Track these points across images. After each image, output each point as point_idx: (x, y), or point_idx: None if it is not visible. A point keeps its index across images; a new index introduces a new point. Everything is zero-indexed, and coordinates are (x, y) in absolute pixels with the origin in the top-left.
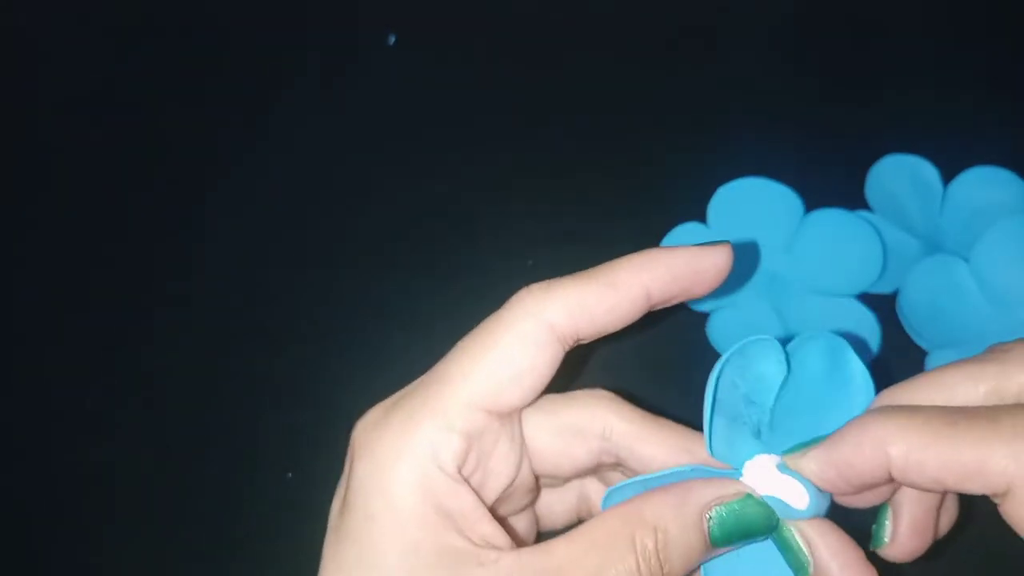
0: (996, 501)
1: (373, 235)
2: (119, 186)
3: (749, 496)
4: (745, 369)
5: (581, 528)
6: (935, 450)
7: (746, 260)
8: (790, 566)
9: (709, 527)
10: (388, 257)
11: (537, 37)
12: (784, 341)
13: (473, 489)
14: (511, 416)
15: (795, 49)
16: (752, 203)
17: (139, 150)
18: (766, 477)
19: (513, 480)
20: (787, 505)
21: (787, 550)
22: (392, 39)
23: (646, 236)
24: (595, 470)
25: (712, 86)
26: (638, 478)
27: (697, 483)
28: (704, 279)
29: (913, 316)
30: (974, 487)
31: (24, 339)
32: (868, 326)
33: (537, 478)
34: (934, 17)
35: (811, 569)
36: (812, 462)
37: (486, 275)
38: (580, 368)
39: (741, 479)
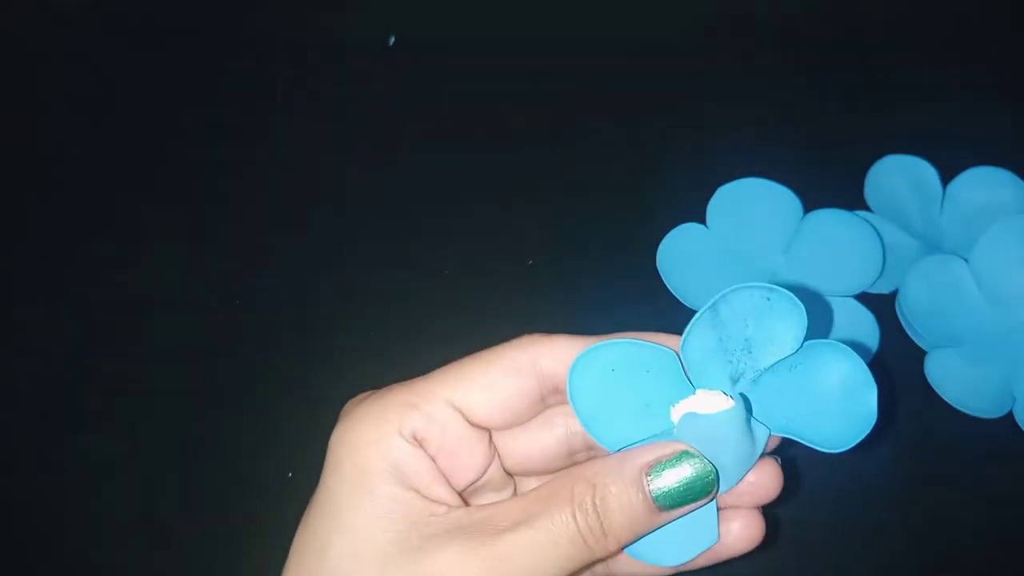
0: None
1: (373, 235)
2: (119, 186)
3: (687, 452)
4: (764, 315)
5: (533, 489)
6: None
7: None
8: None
9: (649, 484)
10: (389, 257)
11: (538, 38)
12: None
13: (431, 458)
14: (482, 428)
15: (795, 49)
16: (752, 204)
17: (139, 150)
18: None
19: (482, 475)
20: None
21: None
22: (392, 39)
23: (646, 236)
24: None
25: (712, 87)
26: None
27: (639, 447)
28: None
29: (912, 316)
30: None
31: (24, 339)
32: (867, 326)
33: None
34: (934, 17)
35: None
36: None
37: (486, 275)
38: None
39: (694, 394)
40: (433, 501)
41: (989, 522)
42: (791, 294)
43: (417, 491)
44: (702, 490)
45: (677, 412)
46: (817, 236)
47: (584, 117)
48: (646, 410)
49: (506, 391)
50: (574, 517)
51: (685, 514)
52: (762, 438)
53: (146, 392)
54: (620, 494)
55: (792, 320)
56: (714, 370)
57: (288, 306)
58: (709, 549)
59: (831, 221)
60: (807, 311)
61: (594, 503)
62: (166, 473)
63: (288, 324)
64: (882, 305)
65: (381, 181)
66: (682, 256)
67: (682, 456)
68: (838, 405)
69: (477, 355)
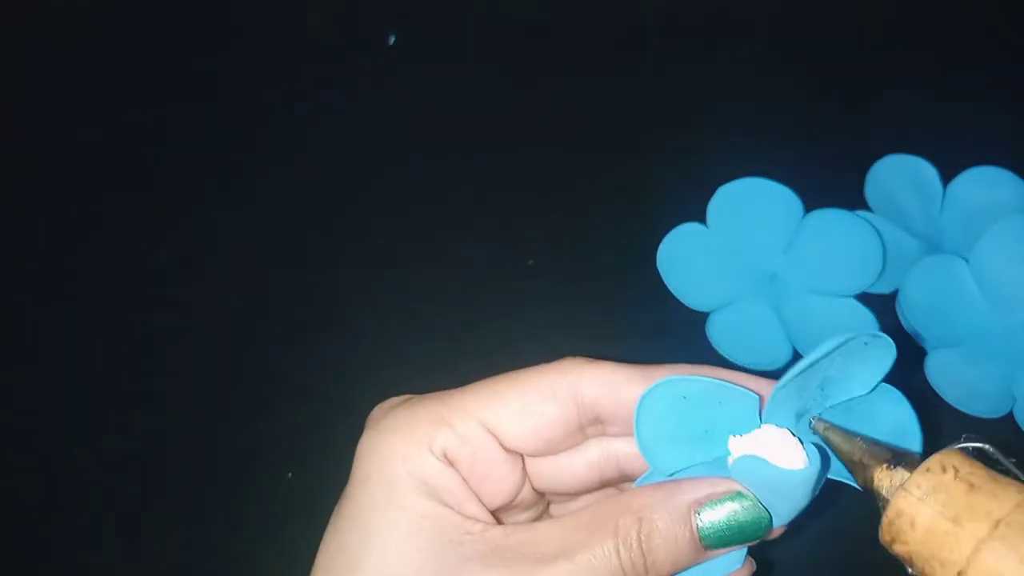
0: None
1: (373, 235)
2: (119, 186)
3: (740, 493)
4: (852, 356)
5: (573, 513)
6: None
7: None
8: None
9: (698, 523)
10: (388, 257)
11: (538, 37)
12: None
13: (463, 478)
14: (515, 452)
15: (795, 49)
16: (752, 203)
17: (139, 151)
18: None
19: (513, 498)
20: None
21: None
22: (392, 39)
23: (646, 236)
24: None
25: (712, 86)
26: (662, 472)
27: (689, 480)
28: None
29: (913, 316)
30: None
31: (24, 338)
32: (867, 326)
33: (543, 496)
34: (934, 17)
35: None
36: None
37: (486, 275)
38: None
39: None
40: (467, 518)
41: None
42: (891, 341)
43: (450, 507)
44: (753, 534)
45: (737, 445)
46: (817, 236)
47: (585, 116)
48: (705, 437)
49: (543, 418)
50: (617, 552)
51: (729, 552)
52: (820, 482)
53: (146, 392)
54: (667, 530)
55: (880, 366)
56: (784, 403)
57: (287, 306)
58: None
59: (831, 221)
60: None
61: (639, 539)
62: (165, 474)
63: (288, 324)
64: (882, 305)
65: (381, 180)
66: (682, 256)
67: (736, 497)
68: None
69: (515, 375)
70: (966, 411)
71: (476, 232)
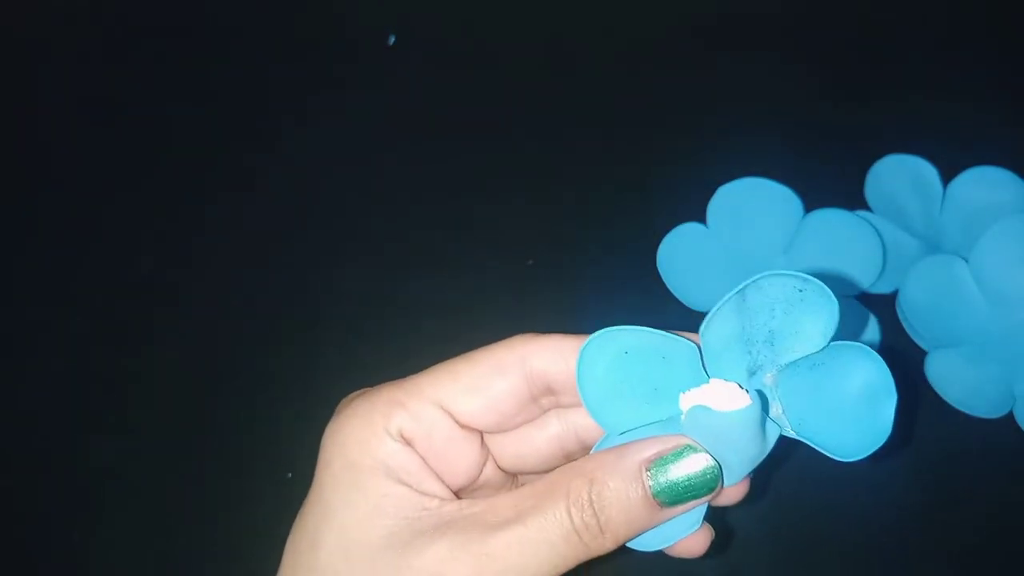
0: None
1: (373, 235)
2: (120, 186)
3: (690, 447)
4: (793, 306)
5: (529, 483)
6: None
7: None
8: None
9: (649, 480)
10: (388, 257)
11: (538, 38)
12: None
13: (421, 457)
14: (473, 429)
15: (795, 49)
16: (752, 203)
17: (140, 151)
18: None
19: (477, 477)
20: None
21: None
22: (392, 39)
23: (646, 236)
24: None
25: (712, 86)
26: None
27: (639, 441)
28: None
29: (913, 316)
30: None
31: (25, 338)
32: (868, 326)
33: (512, 475)
34: (934, 18)
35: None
36: None
37: (486, 275)
38: None
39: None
40: (425, 495)
41: (988, 520)
42: (825, 287)
43: (409, 486)
44: (705, 487)
45: (687, 401)
46: (818, 236)
47: (585, 117)
48: (655, 395)
49: (493, 391)
50: (568, 513)
51: (685, 511)
52: (772, 437)
53: (145, 392)
54: (619, 489)
55: (822, 315)
56: (732, 360)
57: (288, 306)
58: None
59: (832, 221)
60: (840, 309)
61: (590, 498)
62: (165, 474)
63: (288, 324)
64: (882, 305)
65: (380, 180)
66: (682, 256)
67: (685, 451)
68: (855, 411)
69: (467, 355)
70: (966, 411)
71: (476, 232)
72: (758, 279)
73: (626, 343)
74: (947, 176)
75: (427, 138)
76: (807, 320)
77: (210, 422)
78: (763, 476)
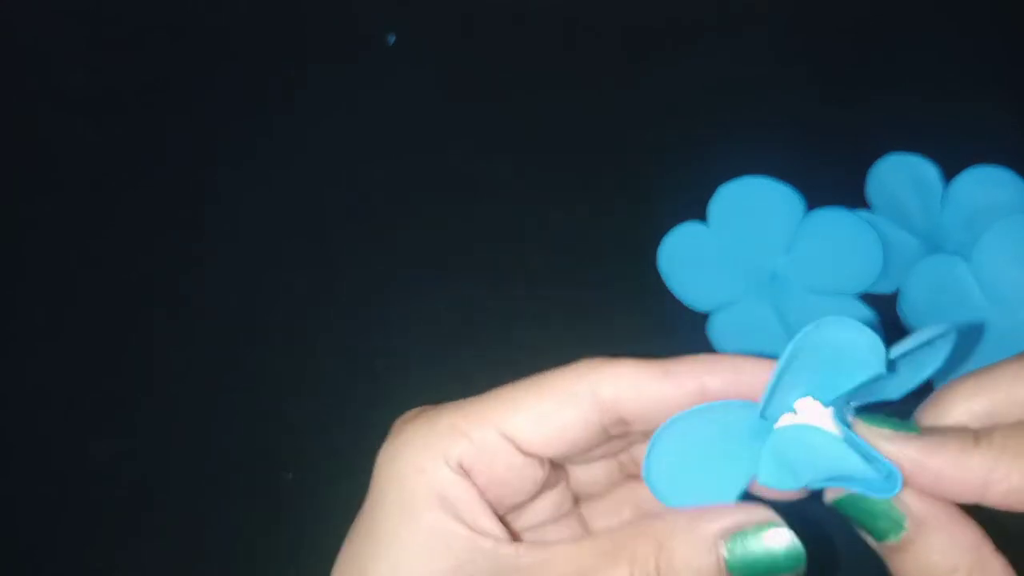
0: None
1: (372, 236)
2: (120, 187)
3: (774, 522)
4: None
5: (591, 536)
6: None
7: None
8: (873, 532)
9: (726, 552)
10: (387, 257)
11: (537, 37)
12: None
13: (480, 491)
14: (539, 460)
15: (795, 49)
16: (752, 203)
17: (140, 151)
18: (820, 418)
19: (530, 499)
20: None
21: (867, 514)
22: (392, 39)
23: (646, 236)
24: (610, 442)
25: (712, 86)
26: (678, 415)
27: (716, 507)
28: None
29: (914, 316)
30: None
31: (24, 339)
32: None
33: (563, 476)
34: (935, 16)
35: (906, 525)
36: (908, 447)
37: (486, 275)
38: None
39: (793, 413)
40: (479, 534)
41: (988, 521)
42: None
43: (463, 521)
44: (787, 567)
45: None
46: (818, 236)
47: (584, 116)
48: (722, 463)
49: (561, 422)
50: None
51: None
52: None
53: (146, 392)
54: (688, 559)
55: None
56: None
57: (287, 307)
58: None
59: (832, 221)
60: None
61: (657, 566)
62: (166, 473)
63: (288, 324)
64: (883, 305)
65: (380, 180)
66: (683, 256)
67: (769, 525)
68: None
69: (533, 380)
70: None
71: (476, 232)
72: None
73: (689, 432)
74: (948, 175)
75: (426, 138)
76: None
77: (210, 422)
78: None
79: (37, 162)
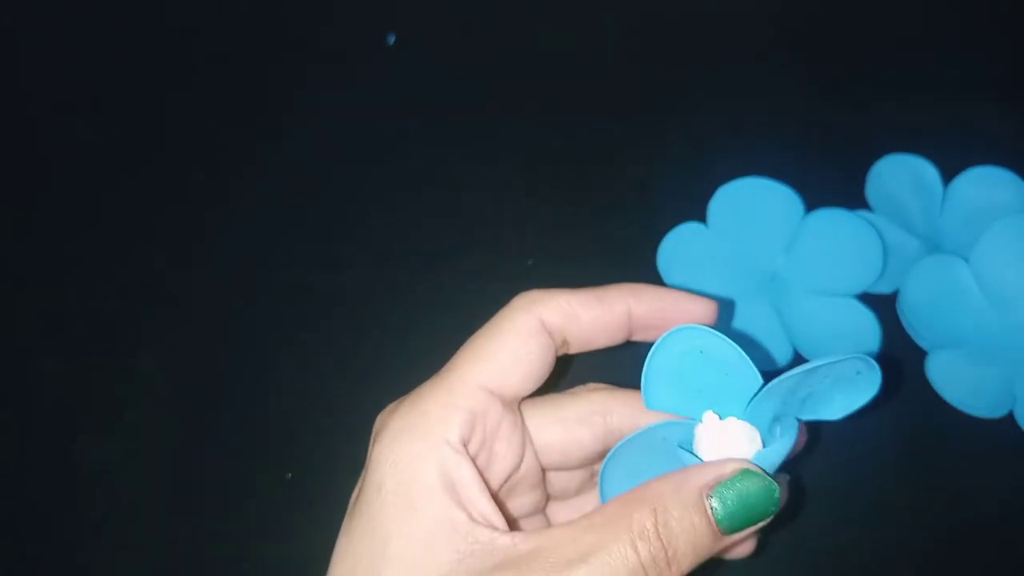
0: None
1: (372, 236)
2: (121, 187)
3: (747, 470)
4: (839, 381)
5: (585, 515)
6: None
7: None
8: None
9: (711, 506)
10: (387, 257)
11: (536, 37)
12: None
13: (477, 467)
14: (513, 404)
15: (796, 49)
16: (752, 203)
17: (140, 151)
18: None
19: (518, 466)
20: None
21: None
22: (392, 39)
23: (646, 236)
24: (603, 455)
25: (712, 86)
26: (623, 441)
27: (697, 466)
28: (687, 319)
29: (913, 316)
30: None
31: (25, 339)
32: (868, 326)
33: (544, 473)
34: (934, 17)
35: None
36: None
37: (486, 275)
38: (576, 366)
39: (700, 424)
40: (478, 523)
41: (988, 521)
42: (878, 378)
43: (464, 509)
44: (766, 509)
45: (706, 425)
46: (818, 236)
47: (584, 117)
48: (698, 394)
49: (530, 358)
50: (635, 548)
51: (746, 536)
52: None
53: (145, 392)
54: (683, 518)
55: (858, 397)
56: (768, 403)
57: (286, 307)
58: None
59: (832, 221)
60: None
61: (656, 530)
62: (165, 473)
63: (286, 325)
64: (882, 305)
65: (379, 181)
66: (682, 256)
67: (744, 475)
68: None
69: (485, 331)
70: (967, 411)
71: (476, 232)
72: (834, 362)
73: (707, 344)
74: (948, 176)
75: (425, 138)
76: (843, 395)
77: (209, 422)
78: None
79: (37, 161)
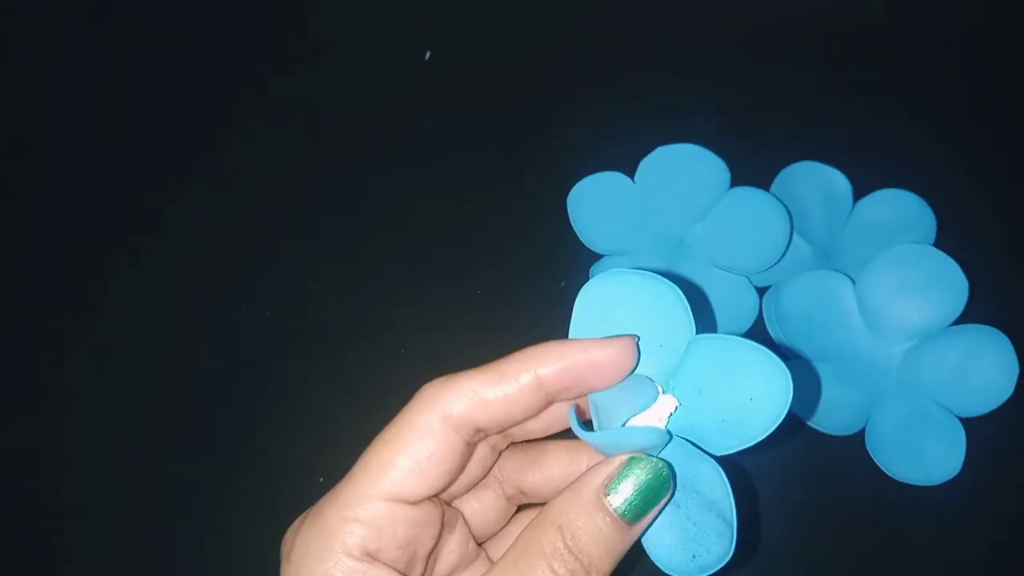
0: None
1: (368, 235)
2: (122, 188)
3: (634, 458)
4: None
5: (501, 558)
6: None
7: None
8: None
9: (610, 502)
10: (385, 257)
11: (536, 38)
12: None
13: (394, 569)
14: (427, 501)
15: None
16: (684, 168)
17: (141, 152)
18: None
19: (465, 556)
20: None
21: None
22: (428, 54)
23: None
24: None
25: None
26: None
27: (587, 472)
28: (601, 371)
29: (784, 325)
30: None
31: (27, 339)
32: (748, 307)
33: (469, 531)
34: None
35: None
36: None
37: (486, 275)
38: None
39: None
40: None
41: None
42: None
43: None
44: (661, 490)
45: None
46: (733, 211)
47: (584, 117)
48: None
49: (432, 461)
50: (552, 570)
51: (653, 520)
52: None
53: (145, 394)
54: (588, 524)
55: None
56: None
57: (293, 312)
58: None
59: (750, 199)
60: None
61: (567, 545)
62: (162, 475)
63: (292, 329)
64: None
65: (379, 185)
66: (595, 198)
67: (631, 464)
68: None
69: (385, 436)
70: (815, 426)
71: (475, 232)
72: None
73: (637, 285)
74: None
75: (424, 138)
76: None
77: (208, 423)
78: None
79: (36, 162)
